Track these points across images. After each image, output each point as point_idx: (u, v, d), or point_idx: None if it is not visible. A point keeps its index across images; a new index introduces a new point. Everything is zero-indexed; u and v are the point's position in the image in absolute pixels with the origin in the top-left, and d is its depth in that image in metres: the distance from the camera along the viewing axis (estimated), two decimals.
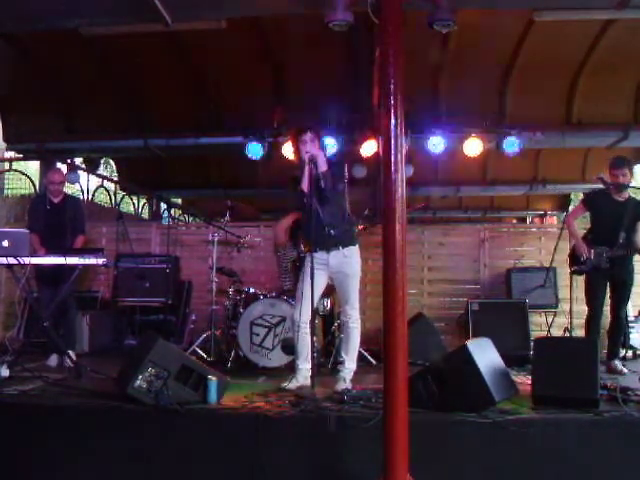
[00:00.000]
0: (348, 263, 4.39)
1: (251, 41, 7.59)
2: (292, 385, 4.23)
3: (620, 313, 5.19)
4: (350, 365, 4.40)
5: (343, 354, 4.45)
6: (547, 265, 6.18)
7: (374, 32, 5.93)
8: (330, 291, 5.17)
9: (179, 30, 5.89)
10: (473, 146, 7.65)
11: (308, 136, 4.36)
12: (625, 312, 5.39)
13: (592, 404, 3.45)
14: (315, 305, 4.58)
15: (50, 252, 4.94)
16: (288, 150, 7.25)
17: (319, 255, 4.28)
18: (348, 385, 4.24)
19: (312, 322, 4.33)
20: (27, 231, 4.84)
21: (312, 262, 4.15)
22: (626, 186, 5.05)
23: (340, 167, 4.46)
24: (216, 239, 5.78)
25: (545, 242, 6.97)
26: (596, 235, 5.19)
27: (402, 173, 2.64)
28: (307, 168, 4.27)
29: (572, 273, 5.34)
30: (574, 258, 5.27)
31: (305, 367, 4.33)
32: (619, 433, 3.31)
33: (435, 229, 7.43)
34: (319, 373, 4.60)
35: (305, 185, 4.28)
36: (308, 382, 4.24)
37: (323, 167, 4.31)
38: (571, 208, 5.52)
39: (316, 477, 3.28)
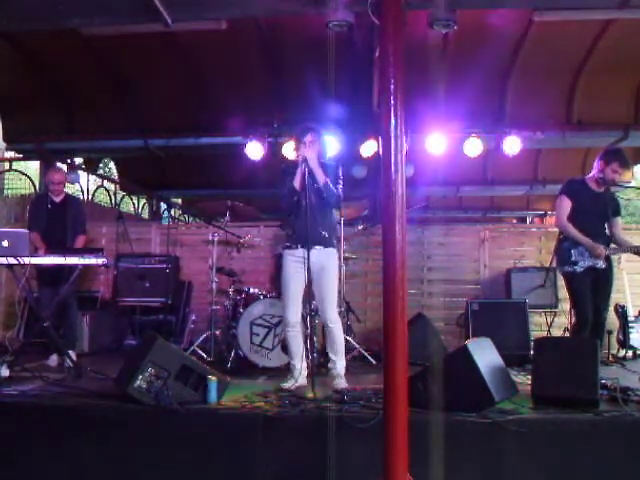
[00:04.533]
0: (329, 259, 4.45)
1: (251, 41, 7.58)
2: (290, 385, 4.25)
3: (604, 317, 4.73)
4: (340, 362, 4.45)
5: (331, 355, 4.49)
6: (547, 265, 6.19)
7: (374, 32, 5.95)
8: None
9: (179, 30, 5.89)
10: (473, 146, 7.64)
11: (308, 138, 4.42)
12: (606, 317, 4.81)
13: (592, 404, 3.45)
14: (314, 305, 4.61)
15: (50, 252, 4.95)
16: (288, 150, 7.27)
17: (300, 252, 4.32)
18: (344, 380, 4.31)
19: (311, 322, 4.35)
20: (27, 231, 4.85)
21: (308, 259, 4.17)
22: (624, 186, 4.94)
23: (335, 171, 4.49)
24: (216, 239, 5.78)
25: (545, 242, 6.99)
26: (579, 229, 4.72)
27: (402, 173, 2.63)
28: (300, 168, 4.33)
29: (563, 273, 4.88)
30: (561, 257, 4.84)
31: (302, 366, 4.35)
32: (619, 433, 3.31)
33: (435, 229, 7.42)
34: (319, 373, 4.60)
35: (297, 183, 4.33)
36: (305, 381, 4.26)
37: (318, 169, 4.34)
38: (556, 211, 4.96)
39: (316, 477, 3.28)
